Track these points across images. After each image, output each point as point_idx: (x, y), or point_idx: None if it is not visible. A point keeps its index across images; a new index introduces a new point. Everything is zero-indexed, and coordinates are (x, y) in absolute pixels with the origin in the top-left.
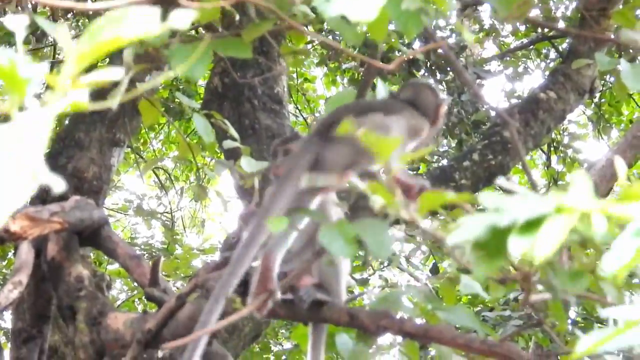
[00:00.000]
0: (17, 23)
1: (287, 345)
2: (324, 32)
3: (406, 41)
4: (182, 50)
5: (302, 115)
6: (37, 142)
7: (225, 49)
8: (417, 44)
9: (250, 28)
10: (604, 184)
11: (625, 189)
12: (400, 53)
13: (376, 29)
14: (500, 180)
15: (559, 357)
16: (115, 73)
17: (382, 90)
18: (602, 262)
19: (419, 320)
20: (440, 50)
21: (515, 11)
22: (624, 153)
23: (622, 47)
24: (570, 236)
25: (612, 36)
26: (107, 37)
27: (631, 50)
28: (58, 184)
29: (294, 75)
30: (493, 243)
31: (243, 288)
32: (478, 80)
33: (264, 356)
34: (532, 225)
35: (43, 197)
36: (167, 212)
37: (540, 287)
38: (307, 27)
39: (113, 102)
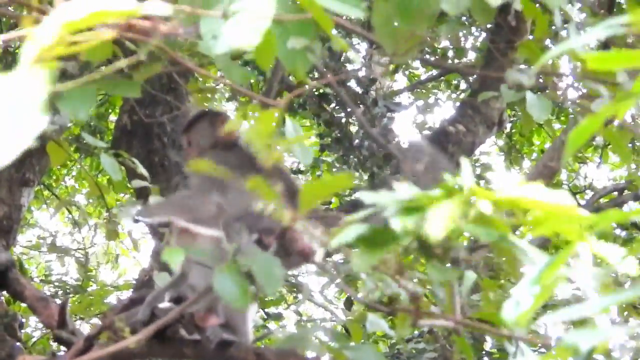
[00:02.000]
0: None
1: None
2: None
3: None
4: (69, 90)
5: None
6: (36, 93)
7: (113, 88)
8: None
9: (141, 68)
10: None
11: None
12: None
13: (263, 56)
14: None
15: None
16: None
17: (290, 127)
18: (502, 309)
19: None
20: (350, 84)
21: (402, 46)
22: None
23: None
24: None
25: (506, 74)
26: (93, 11)
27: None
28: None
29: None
30: (375, 237)
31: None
32: (389, 113)
33: None
34: (413, 210)
35: None
36: (80, 249)
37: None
38: (203, 66)
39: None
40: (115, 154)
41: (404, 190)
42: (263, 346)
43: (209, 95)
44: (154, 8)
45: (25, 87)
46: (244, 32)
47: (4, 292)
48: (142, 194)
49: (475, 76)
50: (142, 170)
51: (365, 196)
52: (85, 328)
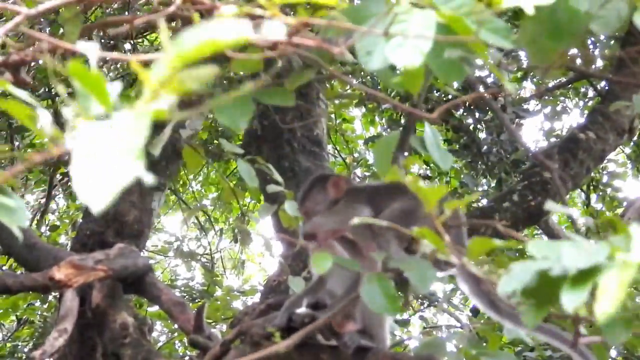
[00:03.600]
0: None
1: None
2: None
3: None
4: (227, 103)
5: (341, 156)
6: (136, 136)
7: (268, 98)
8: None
9: (293, 77)
10: None
11: None
12: (438, 93)
13: (412, 81)
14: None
15: None
16: (210, 70)
17: (429, 134)
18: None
19: None
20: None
21: (555, 63)
22: None
23: None
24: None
25: None
26: (203, 40)
27: None
28: (148, 178)
29: (332, 116)
30: (542, 290)
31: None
32: (517, 120)
33: None
34: (584, 276)
35: (85, 241)
36: (206, 254)
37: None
38: (348, 75)
39: (156, 150)
40: (250, 159)
41: (573, 252)
42: (401, 352)
43: (347, 102)
44: (271, 31)
45: (124, 133)
46: (408, 53)
47: (132, 297)
48: (273, 199)
49: (604, 84)
50: (276, 175)
51: (535, 248)
52: (214, 333)
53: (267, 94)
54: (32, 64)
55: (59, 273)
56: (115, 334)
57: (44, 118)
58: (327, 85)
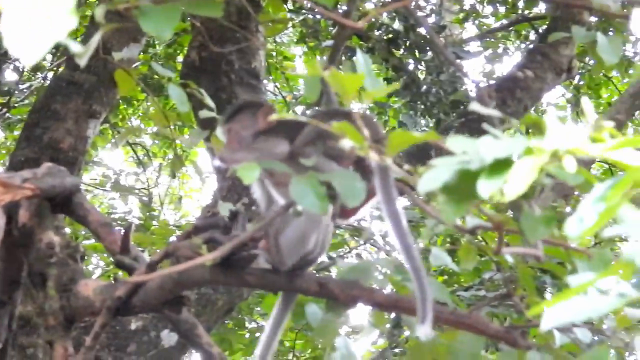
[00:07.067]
0: None
1: (262, 322)
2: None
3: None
4: (152, 9)
5: (281, 94)
6: None
7: (196, 8)
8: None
9: None
10: None
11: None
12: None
13: None
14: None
15: (527, 330)
16: None
17: (361, 59)
18: (565, 226)
19: (389, 291)
20: (420, 30)
21: None
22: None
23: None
24: (542, 179)
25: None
26: None
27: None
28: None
29: (273, 53)
30: (462, 186)
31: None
32: (457, 61)
33: (239, 332)
34: (501, 166)
35: (19, 168)
36: (144, 189)
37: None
38: None
39: (82, 60)
40: (182, 84)
41: (490, 144)
42: (327, 276)
43: (280, 26)
44: None
45: None
46: None
47: (67, 229)
48: (208, 127)
49: (545, 27)
50: (209, 101)
51: (455, 144)
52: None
53: (195, 4)
54: None
55: None
56: (41, 253)
57: None
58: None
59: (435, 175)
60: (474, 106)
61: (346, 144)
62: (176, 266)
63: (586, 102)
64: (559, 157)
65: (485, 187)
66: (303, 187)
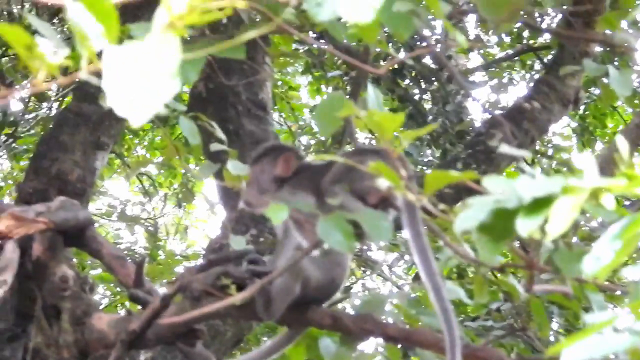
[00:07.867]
0: None
1: None
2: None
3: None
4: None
5: (286, 124)
6: (171, 55)
7: (219, 51)
8: (402, 54)
9: (243, 30)
10: (610, 168)
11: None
12: (390, 57)
13: (368, 31)
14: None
15: None
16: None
17: (372, 94)
18: (582, 263)
19: (402, 325)
20: (425, 60)
21: (506, 16)
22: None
23: (611, 50)
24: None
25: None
26: None
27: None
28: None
29: (279, 83)
30: (499, 226)
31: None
32: (462, 91)
33: None
34: (539, 205)
35: (27, 199)
36: (150, 218)
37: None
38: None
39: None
40: (192, 117)
41: (528, 184)
42: (340, 310)
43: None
44: None
45: (158, 53)
46: (359, 7)
47: (74, 260)
48: (217, 160)
49: (550, 56)
50: (220, 134)
51: (491, 184)
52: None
53: (218, 47)
54: None
55: (0, 224)
56: (55, 286)
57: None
58: (271, 42)
59: (471, 215)
60: (504, 149)
61: (382, 183)
62: (206, 307)
63: (621, 141)
64: (596, 195)
65: (524, 226)
66: (330, 226)
